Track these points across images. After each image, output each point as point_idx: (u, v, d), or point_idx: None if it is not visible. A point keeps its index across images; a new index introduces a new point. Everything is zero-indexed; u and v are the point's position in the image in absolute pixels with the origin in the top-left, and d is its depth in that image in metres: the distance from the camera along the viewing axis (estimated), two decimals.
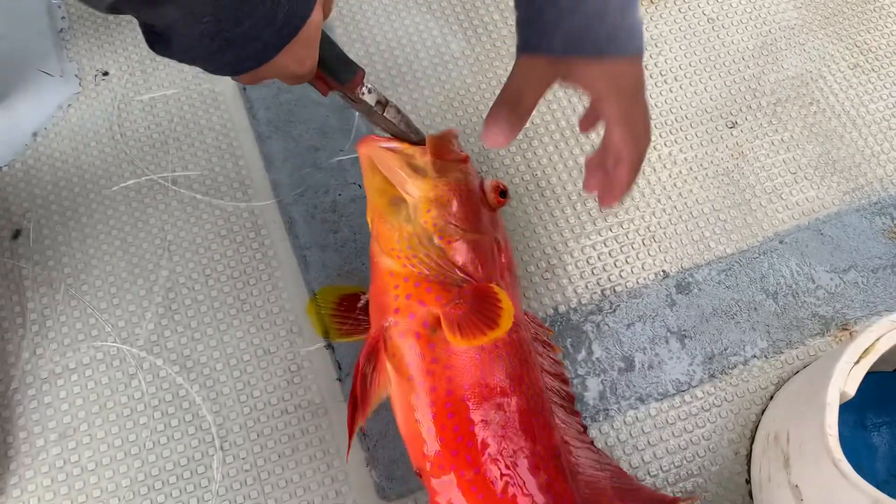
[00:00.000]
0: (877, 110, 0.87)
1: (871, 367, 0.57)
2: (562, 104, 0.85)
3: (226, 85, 0.84)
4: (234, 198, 0.79)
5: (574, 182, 0.81)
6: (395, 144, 0.63)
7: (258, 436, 0.69)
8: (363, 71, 0.59)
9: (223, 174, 0.80)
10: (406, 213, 0.61)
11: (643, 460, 0.69)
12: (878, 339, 0.58)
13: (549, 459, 0.58)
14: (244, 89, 0.84)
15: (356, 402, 0.59)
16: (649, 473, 0.69)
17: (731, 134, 0.85)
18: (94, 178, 0.79)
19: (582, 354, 0.73)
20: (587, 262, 0.77)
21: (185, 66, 0.86)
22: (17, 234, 0.76)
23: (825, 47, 0.90)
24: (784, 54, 0.89)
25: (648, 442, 0.70)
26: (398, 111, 0.62)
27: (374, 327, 0.61)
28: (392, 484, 0.68)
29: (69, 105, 0.83)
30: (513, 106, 0.54)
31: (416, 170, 0.62)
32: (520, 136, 0.82)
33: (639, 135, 0.54)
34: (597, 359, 0.73)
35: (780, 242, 0.79)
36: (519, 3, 0.53)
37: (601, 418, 0.71)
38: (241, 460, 0.68)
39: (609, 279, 0.77)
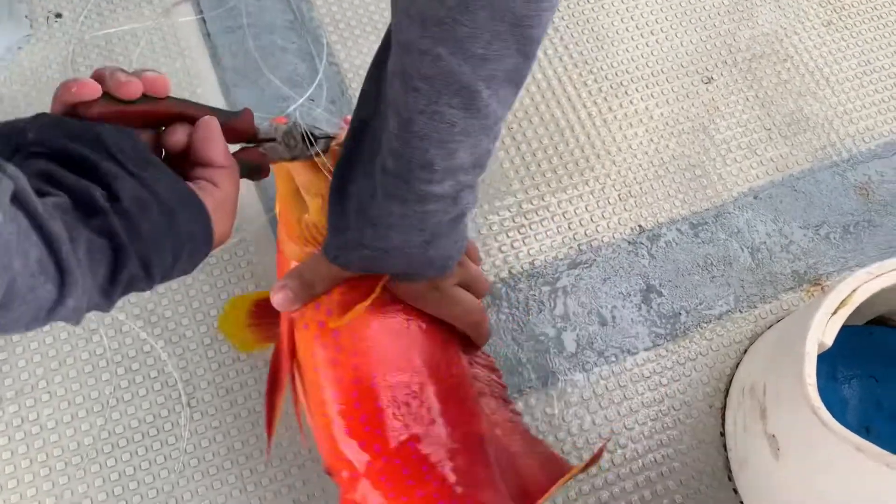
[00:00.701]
0: (849, 68, 0.87)
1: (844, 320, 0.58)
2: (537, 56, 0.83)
3: (189, 33, 0.81)
4: None
5: (550, 136, 0.79)
6: None
7: (227, 392, 0.67)
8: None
9: None
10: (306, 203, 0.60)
11: (619, 414, 0.69)
12: (854, 291, 0.58)
13: (471, 446, 0.55)
14: (208, 35, 0.80)
15: (275, 405, 0.57)
16: (625, 427, 0.69)
17: (707, 89, 0.84)
18: None
19: (558, 309, 0.72)
20: (563, 216, 0.76)
21: (145, 10, 0.81)
22: None
23: (799, 3, 0.90)
24: (759, 10, 0.89)
25: (624, 396, 0.70)
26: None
27: (283, 322, 0.58)
28: None
29: (19, 48, 0.78)
30: (304, 286, 0.56)
31: (311, 165, 0.59)
32: None
33: (463, 317, 0.59)
34: (573, 313, 0.72)
35: (755, 198, 0.79)
36: (333, 203, 0.54)
37: (577, 372, 0.70)
38: (209, 417, 0.66)
39: (585, 234, 0.76)
